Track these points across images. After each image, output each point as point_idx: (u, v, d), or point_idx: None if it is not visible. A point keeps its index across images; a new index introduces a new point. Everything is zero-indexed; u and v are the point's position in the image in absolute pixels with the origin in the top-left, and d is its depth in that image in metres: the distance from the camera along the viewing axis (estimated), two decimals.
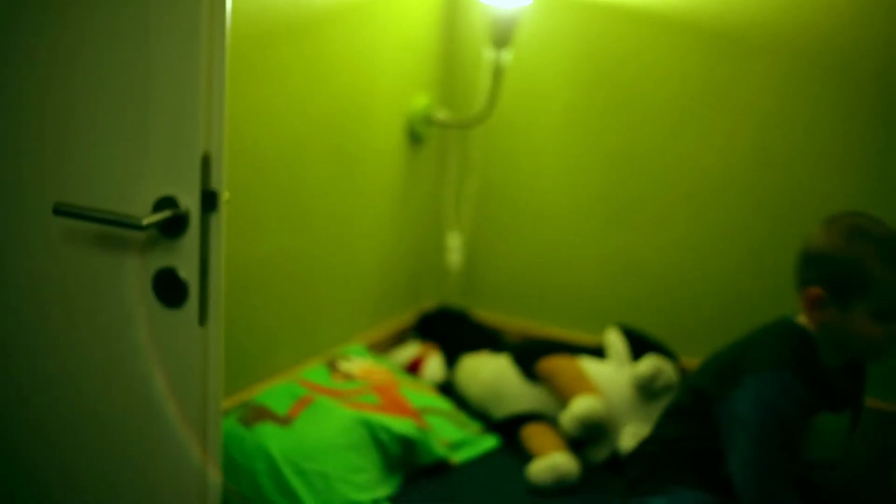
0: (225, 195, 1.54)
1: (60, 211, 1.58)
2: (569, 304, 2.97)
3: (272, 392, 2.40)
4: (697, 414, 2.16)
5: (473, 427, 2.67)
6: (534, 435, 2.58)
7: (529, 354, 2.72)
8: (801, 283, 2.10)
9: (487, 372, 2.77)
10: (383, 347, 2.96)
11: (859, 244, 2.04)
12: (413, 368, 2.89)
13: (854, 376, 2.19)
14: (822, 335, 2.09)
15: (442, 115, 2.98)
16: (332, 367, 2.59)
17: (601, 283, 2.91)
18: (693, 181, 2.71)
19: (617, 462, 2.49)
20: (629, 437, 2.50)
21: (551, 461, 2.43)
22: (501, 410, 2.70)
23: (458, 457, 2.53)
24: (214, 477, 1.67)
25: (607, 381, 2.59)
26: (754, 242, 2.65)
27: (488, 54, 2.77)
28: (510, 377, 2.71)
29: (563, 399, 2.57)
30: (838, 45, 2.48)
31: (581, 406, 2.49)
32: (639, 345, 2.66)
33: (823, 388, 2.09)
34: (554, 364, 2.65)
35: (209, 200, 1.53)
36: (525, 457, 2.54)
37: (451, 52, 3.01)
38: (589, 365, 2.63)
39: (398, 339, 3.05)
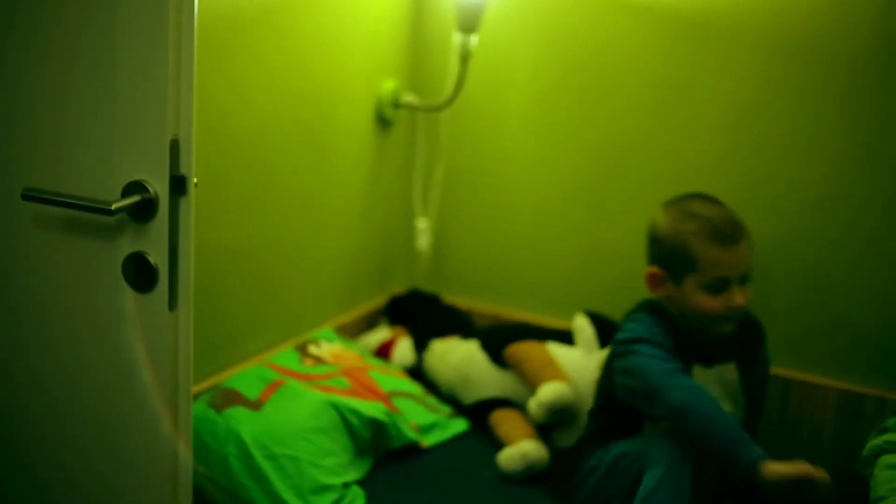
0: (193, 179, 1.55)
1: (29, 196, 1.58)
2: (537, 289, 2.99)
3: (243, 376, 2.40)
4: (611, 410, 2.31)
5: (443, 410, 2.68)
6: (502, 421, 2.59)
7: (497, 340, 2.73)
8: (646, 264, 2.30)
9: (456, 357, 2.78)
10: (353, 332, 2.96)
11: (685, 224, 2.23)
12: (383, 352, 2.90)
13: (741, 337, 2.33)
14: (670, 309, 2.27)
15: (410, 98, 2.98)
16: (302, 351, 2.59)
17: (570, 268, 2.92)
18: (662, 166, 2.72)
19: None
20: None
21: (520, 449, 2.44)
22: (470, 395, 2.71)
23: (428, 440, 2.55)
24: (186, 461, 1.67)
25: (575, 366, 2.60)
26: None
27: (456, 39, 2.78)
28: (479, 362, 2.72)
29: (531, 385, 2.58)
30: (819, 32, 2.47)
31: (549, 392, 2.50)
32: (606, 330, 2.67)
33: (687, 344, 2.25)
34: (522, 350, 2.66)
35: (178, 185, 1.53)
36: (495, 440, 2.56)
37: (419, 37, 3.01)
38: (557, 350, 2.65)
39: (368, 324, 3.05)
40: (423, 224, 3.11)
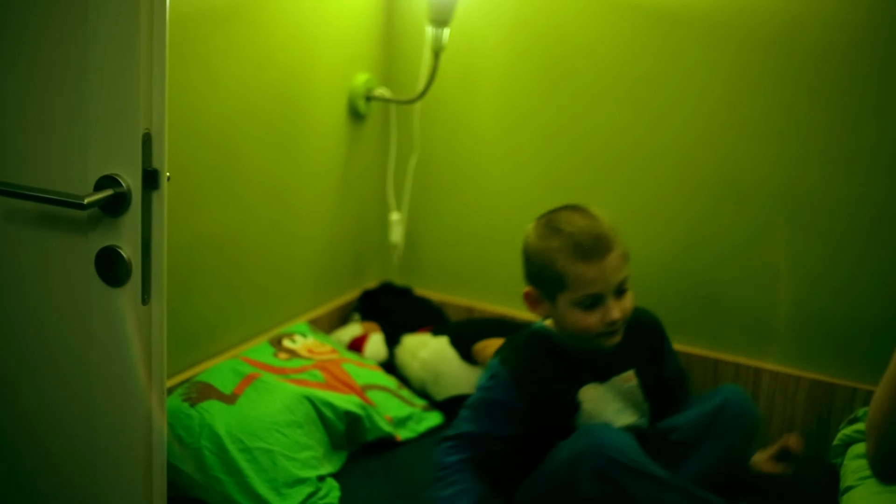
0: (166, 173, 1.54)
1: (1, 190, 1.57)
2: (509, 282, 2.97)
3: (217, 370, 2.40)
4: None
5: (418, 403, 2.68)
6: None
7: (467, 336, 2.74)
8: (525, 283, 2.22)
9: (427, 353, 2.78)
10: (327, 326, 2.96)
11: (549, 240, 2.13)
12: (355, 348, 2.89)
13: (637, 341, 2.25)
14: (551, 331, 2.21)
15: (382, 92, 2.98)
16: (276, 345, 2.59)
17: None
18: (638, 158, 2.73)
19: None
20: None
21: None
22: (441, 392, 2.71)
23: (402, 433, 2.55)
24: (160, 455, 1.67)
25: None
26: (692, 219, 2.68)
27: (429, 32, 2.78)
28: (449, 359, 2.72)
29: None
30: (790, 25, 2.48)
31: None
32: None
33: (578, 363, 2.19)
34: (492, 346, 2.65)
35: (151, 179, 1.53)
36: None
37: (391, 30, 3.01)
38: None
39: (342, 318, 3.05)
40: (395, 217, 3.11)
